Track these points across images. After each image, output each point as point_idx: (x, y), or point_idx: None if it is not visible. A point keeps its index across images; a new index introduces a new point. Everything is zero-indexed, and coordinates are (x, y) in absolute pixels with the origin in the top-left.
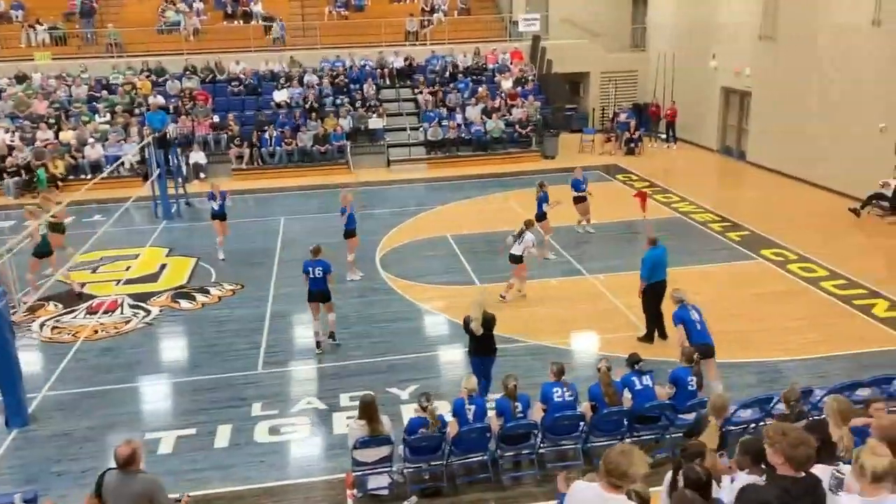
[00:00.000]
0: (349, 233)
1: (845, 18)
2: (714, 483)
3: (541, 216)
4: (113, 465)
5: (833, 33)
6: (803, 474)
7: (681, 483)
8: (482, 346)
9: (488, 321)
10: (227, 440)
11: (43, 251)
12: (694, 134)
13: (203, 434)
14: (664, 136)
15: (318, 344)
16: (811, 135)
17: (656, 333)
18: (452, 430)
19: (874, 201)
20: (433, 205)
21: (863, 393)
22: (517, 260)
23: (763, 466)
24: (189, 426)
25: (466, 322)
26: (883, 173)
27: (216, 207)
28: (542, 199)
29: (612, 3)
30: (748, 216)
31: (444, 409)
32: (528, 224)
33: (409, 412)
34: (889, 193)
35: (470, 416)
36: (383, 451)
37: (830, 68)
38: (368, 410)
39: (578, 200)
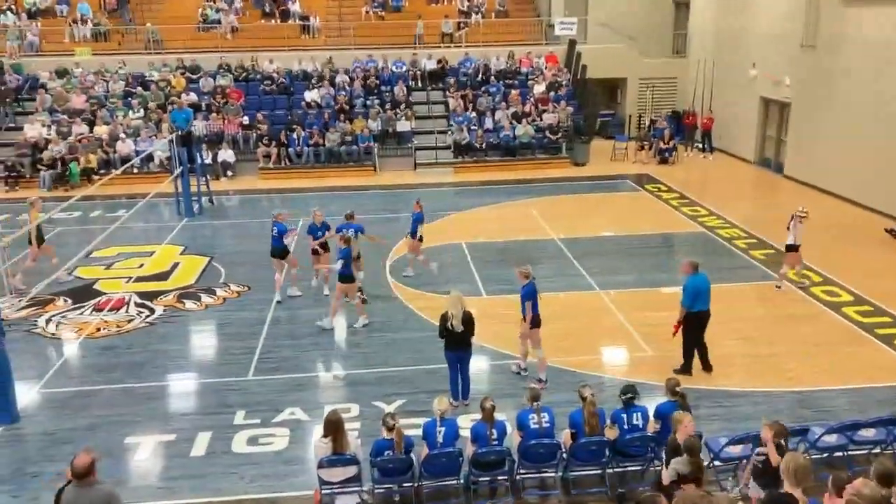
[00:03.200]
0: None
1: (888, 28)
2: None
3: (414, 235)
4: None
5: (875, 43)
6: None
7: None
8: (459, 342)
9: (467, 319)
10: (205, 448)
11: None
12: (731, 144)
13: (181, 441)
14: (700, 145)
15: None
16: (850, 149)
17: (700, 365)
18: (422, 452)
19: None
20: (455, 210)
21: (866, 434)
22: (790, 248)
23: None
24: (169, 432)
25: (445, 318)
26: None
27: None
28: (418, 219)
29: (653, 7)
30: (776, 233)
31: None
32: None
33: None
34: None
35: (440, 439)
36: (350, 471)
37: (872, 80)
38: (333, 428)
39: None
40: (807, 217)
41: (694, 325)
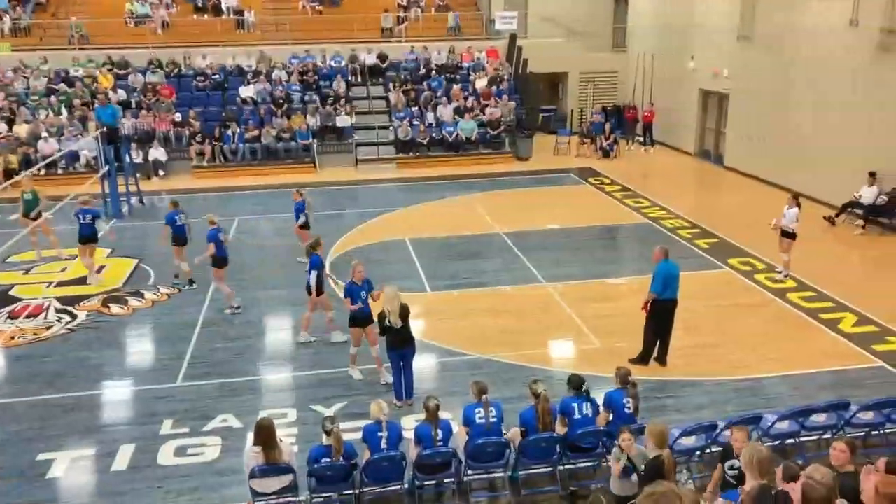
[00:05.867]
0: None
1: (822, 18)
2: None
3: (303, 225)
4: None
5: (810, 34)
6: None
7: None
8: (401, 339)
9: (405, 313)
10: (127, 462)
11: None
12: (672, 137)
13: (101, 455)
14: (641, 138)
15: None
16: (787, 140)
17: (654, 356)
18: (364, 457)
19: (849, 209)
20: (399, 206)
21: (817, 419)
22: (787, 235)
23: None
24: (88, 446)
25: (382, 317)
26: (858, 180)
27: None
28: (300, 208)
29: (593, 2)
30: (720, 223)
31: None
32: (794, 197)
33: None
34: (865, 203)
35: (384, 444)
36: (284, 480)
37: (807, 70)
38: (264, 436)
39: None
40: (794, 202)
41: (660, 313)
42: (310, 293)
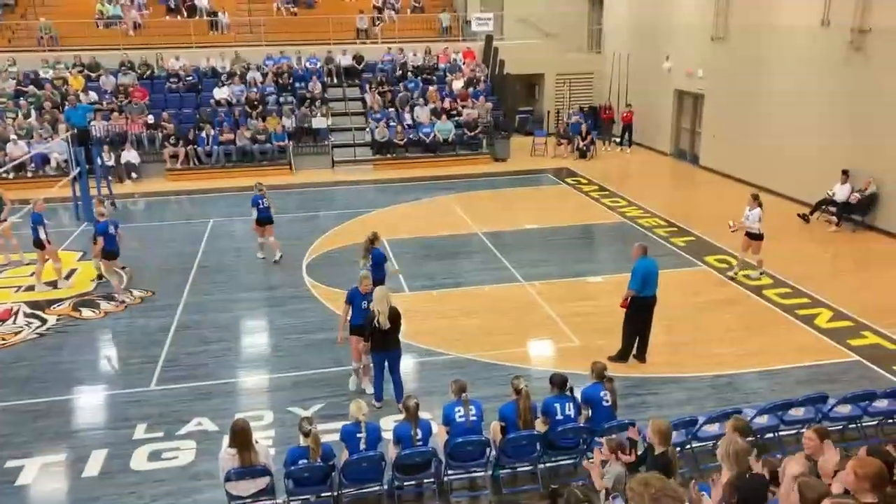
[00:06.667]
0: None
1: (795, 18)
2: None
3: (259, 220)
4: None
5: (782, 34)
6: None
7: None
8: (387, 341)
9: (394, 315)
10: (99, 468)
11: None
12: (648, 137)
13: (73, 461)
14: (618, 139)
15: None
16: (761, 138)
17: (633, 354)
18: (342, 458)
19: (823, 207)
20: (376, 207)
21: (795, 413)
22: (754, 237)
23: None
24: (59, 451)
25: (370, 317)
26: (832, 177)
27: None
28: (254, 201)
29: (568, 3)
30: (695, 221)
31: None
32: (755, 197)
33: None
34: (838, 200)
35: (363, 445)
36: (260, 482)
37: (780, 70)
38: (240, 437)
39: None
40: (755, 203)
41: (640, 310)
42: None
